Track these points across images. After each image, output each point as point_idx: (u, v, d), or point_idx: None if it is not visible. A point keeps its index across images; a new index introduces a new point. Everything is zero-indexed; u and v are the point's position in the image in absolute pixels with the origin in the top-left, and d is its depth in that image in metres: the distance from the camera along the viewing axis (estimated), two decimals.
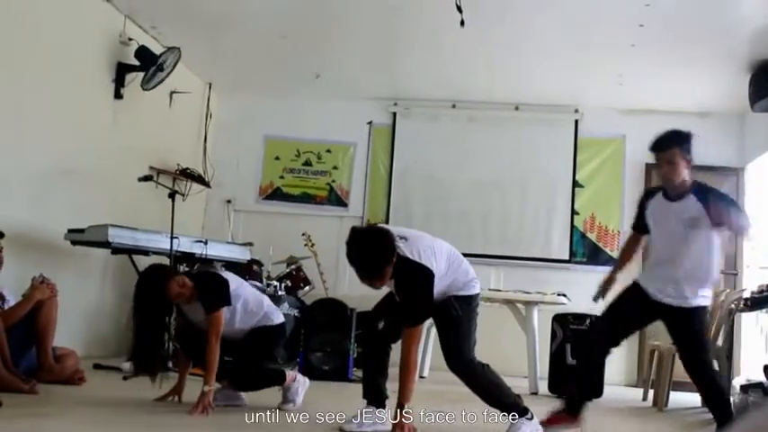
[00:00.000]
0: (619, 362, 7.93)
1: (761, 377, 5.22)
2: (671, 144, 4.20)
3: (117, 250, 5.96)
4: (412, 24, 6.72)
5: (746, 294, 6.04)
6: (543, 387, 6.47)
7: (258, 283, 6.72)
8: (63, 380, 4.73)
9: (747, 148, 8.12)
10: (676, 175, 4.19)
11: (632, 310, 4.30)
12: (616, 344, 4.32)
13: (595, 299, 4.54)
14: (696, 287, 4.15)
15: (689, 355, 4.23)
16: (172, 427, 3.82)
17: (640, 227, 4.49)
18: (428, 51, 7.33)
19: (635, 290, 4.30)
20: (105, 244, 5.75)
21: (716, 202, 4.09)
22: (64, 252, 5.98)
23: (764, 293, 5.63)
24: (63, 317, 4.86)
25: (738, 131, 8.27)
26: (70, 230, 5.83)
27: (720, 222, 4.07)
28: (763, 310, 5.98)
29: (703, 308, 4.24)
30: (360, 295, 7.53)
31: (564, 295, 6.78)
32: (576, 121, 8.54)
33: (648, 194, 4.46)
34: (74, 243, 5.87)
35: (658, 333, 7.78)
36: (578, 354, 4.55)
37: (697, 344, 4.23)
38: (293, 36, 7.16)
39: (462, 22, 5.62)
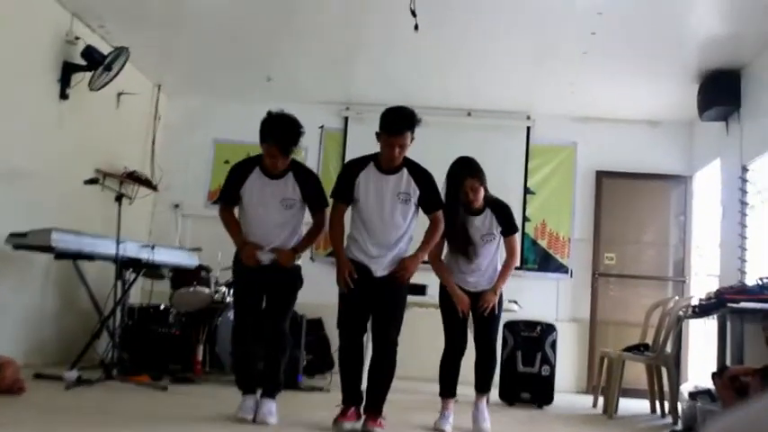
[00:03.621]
0: (569, 369, 7.97)
1: (708, 384, 5.25)
2: (406, 128, 4.28)
3: (60, 255, 5.81)
4: (365, 28, 6.67)
5: (694, 302, 6.10)
6: (494, 395, 6.46)
7: (206, 289, 6.60)
8: (2, 389, 4.56)
9: (696, 157, 8.23)
10: (402, 156, 4.33)
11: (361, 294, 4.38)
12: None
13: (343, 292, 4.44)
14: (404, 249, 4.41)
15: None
16: None
17: (346, 197, 4.44)
18: (381, 56, 7.28)
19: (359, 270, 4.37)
20: (48, 248, 5.58)
21: (424, 183, 4.35)
22: (5, 257, 5.80)
23: (712, 301, 5.68)
24: (2, 324, 4.71)
25: (687, 140, 8.38)
26: (12, 234, 5.66)
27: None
28: (711, 318, 6.03)
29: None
30: (310, 303, 7.43)
31: (515, 302, 6.78)
32: (528, 128, 8.57)
33: (358, 165, 4.44)
34: (15, 247, 5.69)
35: (608, 340, 7.91)
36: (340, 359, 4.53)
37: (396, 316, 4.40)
38: (244, 38, 7.07)
39: (416, 27, 5.59)
